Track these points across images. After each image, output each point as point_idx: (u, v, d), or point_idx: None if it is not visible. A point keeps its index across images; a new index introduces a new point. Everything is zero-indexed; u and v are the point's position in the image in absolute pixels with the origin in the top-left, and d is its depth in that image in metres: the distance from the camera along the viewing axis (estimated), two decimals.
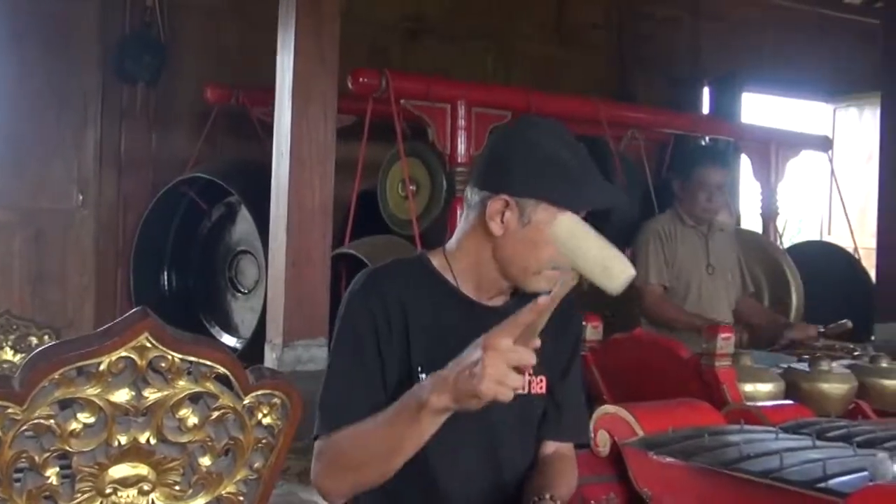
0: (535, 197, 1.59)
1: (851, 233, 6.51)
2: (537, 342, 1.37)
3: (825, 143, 6.75)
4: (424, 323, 1.64)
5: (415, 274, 1.70)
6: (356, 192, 4.73)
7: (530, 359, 1.35)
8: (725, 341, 2.81)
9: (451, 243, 1.73)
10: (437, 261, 1.71)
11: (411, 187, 4.76)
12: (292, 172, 4.24)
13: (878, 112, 6.38)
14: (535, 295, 1.42)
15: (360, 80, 4.54)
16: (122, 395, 1.22)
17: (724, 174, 4.02)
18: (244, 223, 5.61)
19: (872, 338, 5.40)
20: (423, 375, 1.55)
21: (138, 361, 1.22)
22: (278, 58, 4.37)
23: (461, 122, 4.73)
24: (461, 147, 4.71)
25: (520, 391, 1.66)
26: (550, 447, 1.77)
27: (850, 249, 6.39)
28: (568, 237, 1.48)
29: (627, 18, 7.54)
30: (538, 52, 7.07)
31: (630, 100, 7.05)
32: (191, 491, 1.30)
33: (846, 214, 6.58)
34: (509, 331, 1.36)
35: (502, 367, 1.33)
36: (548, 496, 1.61)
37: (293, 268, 4.22)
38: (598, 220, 1.65)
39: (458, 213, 3.97)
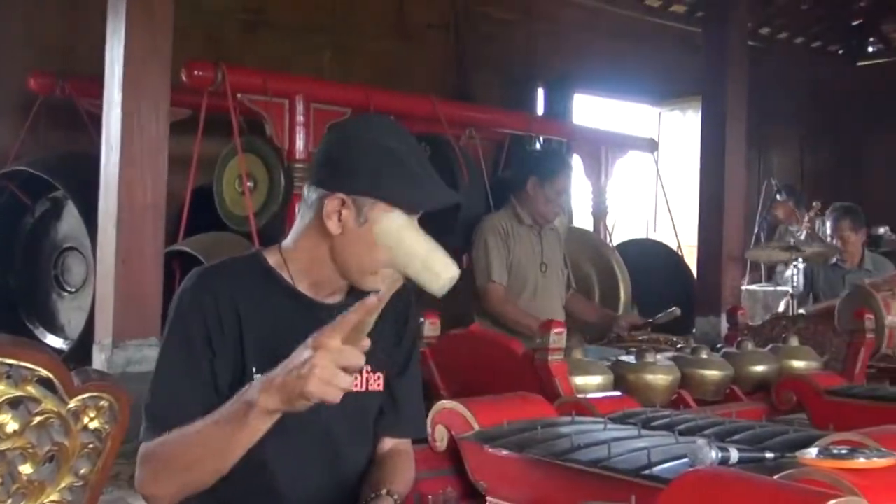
0: (372, 196, 1.59)
1: (675, 231, 6.83)
2: (367, 342, 1.38)
3: (651, 145, 7.05)
4: (259, 322, 1.62)
5: (249, 272, 1.67)
6: (191, 187, 4.61)
7: (359, 360, 1.36)
8: (558, 336, 2.90)
9: (288, 241, 1.71)
10: (272, 259, 1.70)
11: (248, 183, 4.67)
12: (122, 167, 4.07)
13: (699, 114, 6.71)
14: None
15: (195, 72, 4.42)
16: None
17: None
18: (71, 219, 5.36)
19: (693, 330, 5.69)
20: (258, 375, 1.52)
21: None
22: (107, 46, 4.18)
23: (300, 118, 4.68)
24: (300, 143, 4.67)
25: (357, 389, 1.68)
26: (388, 443, 1.78)
27: (674, 247, 6.69)
28: (392, 237, 1.47)
29: (465, 18, 7.64)
30: (377, 49, 7.06)
31: (468, 99, 7.15)
32: (10, 501, 1.25)
33: (670, 213, 6.90)
34: (338, 330, 1.36)
35: (331, 367, 1.33)
36: (384, 491, 1.62)
37: (123, 265, 4.07)
38: (448, 219, 1.67)
39: (297, 209, 3.93)
